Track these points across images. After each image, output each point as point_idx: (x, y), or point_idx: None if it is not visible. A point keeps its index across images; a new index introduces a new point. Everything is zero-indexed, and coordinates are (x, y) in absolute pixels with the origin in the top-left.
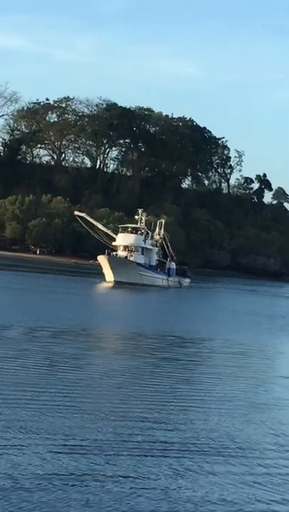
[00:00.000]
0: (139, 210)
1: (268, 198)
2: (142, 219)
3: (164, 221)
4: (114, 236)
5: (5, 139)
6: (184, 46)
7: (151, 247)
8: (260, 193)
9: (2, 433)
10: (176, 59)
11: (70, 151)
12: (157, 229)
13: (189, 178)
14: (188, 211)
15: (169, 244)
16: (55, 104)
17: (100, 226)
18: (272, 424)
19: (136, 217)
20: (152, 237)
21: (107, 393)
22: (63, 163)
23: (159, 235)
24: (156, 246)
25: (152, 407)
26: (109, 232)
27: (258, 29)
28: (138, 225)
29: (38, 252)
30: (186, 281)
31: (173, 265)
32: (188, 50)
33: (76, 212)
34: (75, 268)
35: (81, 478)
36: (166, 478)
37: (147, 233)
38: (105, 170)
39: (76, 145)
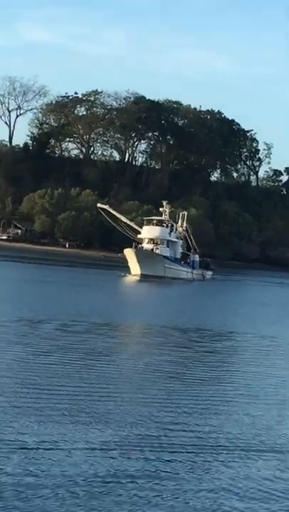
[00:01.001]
0: (164, 202)
1: None
2: (165, 211)
3: (186, 213)
4: (137, 229)
5: (34, 133)
6: (212, 38)
7: (176, 240)
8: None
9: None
10: (204, 51)
11: (98, 144)
12: (180, 221)
13: (218, 170)
14: (216, 204)
15: (192, 236)
16: (84, 98)
17: (123, 218)
18: None
19: (160, 209)
20: (176, 229)
21: (142, 389)
22: (92, 156)
23: (182, 227)
24: (181, 238)
25: (188, 403)
26: (132, 224)
27: (286, 21)
28: (163, 218)
29: (67, 246)
30: (209, 273)
31: (196, 258)
32: (216, 42)
33: (99, 205)
34: (104, 261)
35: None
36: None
37: (172, 226)
38: (134, 163)
39: (105, 138)
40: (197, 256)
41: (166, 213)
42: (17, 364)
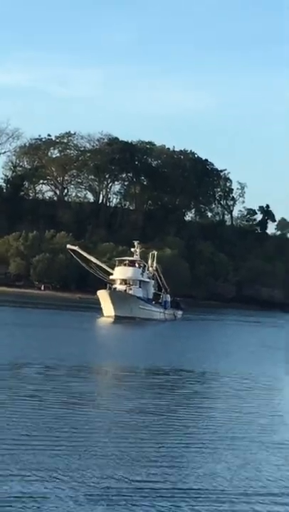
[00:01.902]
0: (135, 242)
1: (271, 229)
2: (136, 251)
3: (156, 253)
4: (108, 270)
5: (7, 176)
6: (185, 79)
7: (148, 280)
8: (263, 224)
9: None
10: (176, 92)
11: (72, 186)
12: (150, 261)
13: (192, 210)
14: (191, 244)
15: (162, 276)
16: (57, 140)
17: (93, 260)
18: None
19: (132, 249)
20: (148, 269)
21: (119, 434)
22: (66, 198)
23: (152, 267)
24: (152, 278)
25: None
26: (103, 265)
27: (260, 62)
28: (135, 258)
29: (42, 288)
30: (180, 313)
31: (168, 298)
32: (189, 83)
33: (69, 246)
34: (80, 303)
35: None
36: None
37: (144, 266)
38: (108, 204)
39: (78, 180)
40: (168, 296)
41: (137, 253)
42: None
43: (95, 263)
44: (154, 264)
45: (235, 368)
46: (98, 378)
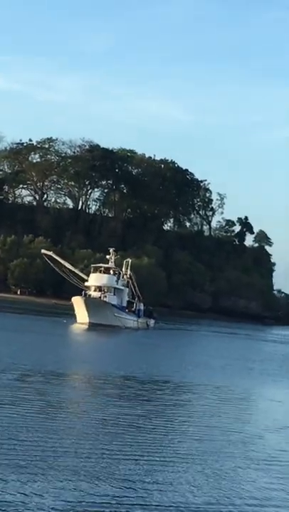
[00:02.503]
0: (110, 250)
1: (249, 240)
2: (111, 258)
3: (130, 260)
4: (83, 276)
5: None
6: (167, 88)
7: (123, 288)
8: (241, 235)
9: None
10: (159, 100)
11: (52, 191)
12: (124, 268)
13: (171, 220)
14: (169, 253)
15: (135, 284)
16: (38, 145)
17: (67, 265)
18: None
19: (107, 256)
20: (122, 276)
21: (98, 444)
22: (45, 203)
23: (126, 274)
24: (127, 286)
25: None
26: (77, 271)
27: (240, 72)
28: (110, 265)
29: (19, 293)
30: (152, 322)
31: (142, 306)
32: (171, 92)
33: (43, 251)
34: (56, 308)
35: None
36: None
37: (119, 273)
38: (87, 211)
39: (58, 186)
40: (142, 304)
41: (112, 260)
42: None
43: (68, 269)
44: (128, 272)
45: (208, 378)
46: (73, 385)
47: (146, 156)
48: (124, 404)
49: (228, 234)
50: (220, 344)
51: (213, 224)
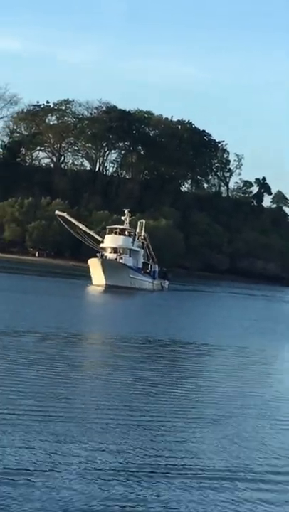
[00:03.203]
0: (125, 211)
1: (267, 201)
2: (126, 220)
3: (144, 222)
4: (96, 237)
5: (4, 141)
6: (186, 48)
7: (138, 249)
8: (259, 196)
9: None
10: (177, 61)
11: (69, 153)
12: (138, 230)
13: (189, 181)
14: (187, 214)
15: (150, 245)
16: (55, 107)
17: (81, 227)
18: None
19: (122, 217)
20: (137, 238)
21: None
22: (62, 165)
23: (140, 236)
24: (142, 248)
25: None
26: (91, 233)
27: (258, 31)
28: (125, 226)
29: (37, 255)
30: (166, 283)
31: (156, 268)
32: (189, 52)
33: (57, 212)
34: (74, 270)
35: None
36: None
37: (134, 235)
38: (104, 173)
39: (75, 148)
40: (157, 266)
41: (127, 222)
42: None
43: (83, 230)
44: (143, 233)
45: (228, 340)
46: (93, 348)
47: (164, 117)
48: (145, 367)
49: (246, 195)
50: (238, 305)
51: (231, 185)
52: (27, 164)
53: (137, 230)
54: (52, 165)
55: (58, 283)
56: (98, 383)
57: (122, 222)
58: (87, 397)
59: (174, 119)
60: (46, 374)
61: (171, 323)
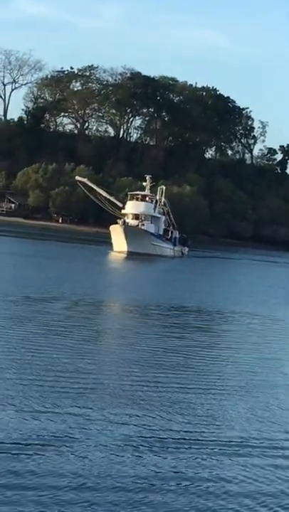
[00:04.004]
0: (147, 177)
1: None
2: (148, 186)
3: (164, 188)
4: (117, 203)
5: (29, 107)
6: (210, 16)
7: (159, 216)
8: (283, 163)
9: None
10: (202, 28)
11: (93, 119)
12: (158, 196)
13: (213, 148)
14: (211, 181)
15: (170, 211)
16: (79, 73)
17: (102, 192)
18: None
19: (143, 183)
20: (159, 204)
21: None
22: (86, 132)
23: (160, 201)
24: (163, 214)
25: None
26: (112, 199)
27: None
28: (146, 192)
29: (60, 221)
30: (186, 249)
31: (177, 234)
32: (214, 20)
33: (77, 178)
34: (97, 237)
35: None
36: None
37: (156, 201)
38: (128, 139)
39: (99, 114)
40: (177, 232)
41: (148, 188)
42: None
43: (104, 196)
44: (163, 199)
45: (253, 307)
46: (120, 315)
47: (188, 83)
48: (172, 334)
49: (270, 162)
50: (261, 272)
51: (255, 152)
52: (51, 130)
53: (157, 196)
54: (76, 131)
55: (83, 249)
56: (125, 350)
57: (142, 188)
58: (115, 364)
59: (199, 85)
60: (70, 342)
61: (196, 290)
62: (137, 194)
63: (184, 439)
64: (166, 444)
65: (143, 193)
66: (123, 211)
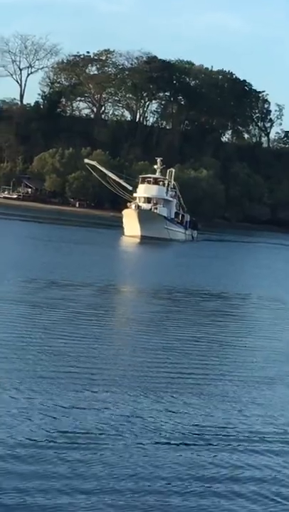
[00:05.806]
0: (158, 160)
1: None
2: (159, 169)
3: (174, 170)
4: (127, 186)
5: (45, 92)
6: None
7: (171, 199)
8: None
9: None
10: (218, 12)
11: (109, 104)
12: (167, 179)
13: (229, 131)
14: (227, 165)
15: (180, 194)
16: (96, 57)
17: (112, 176)
18: None
19: (154, 166)
20: (170, 187)
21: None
22: (103, 116)
23: (170, 184)
24: (175, 198)
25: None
26: (122, 182)
27: None
28: (159, 176)
29: (77, 205)
30: (195, 233)
31: (188, 218)
32: (230, 3)
33: (86, 161)
34: (113, 221)
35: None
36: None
37: (168, 184)
38: (145, 123)
39: (116, 98)
40: (188, 216)
41: (159, 171)
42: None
43: (114, 179)
44: (172, 182)
45: (271, 293)
46: (140, 300)
47: (204, 67)
48: (203, 321)
49: (287, 145)
50: (278, 256)
51: (272, 136)
52: (67, 115)
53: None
54: (92, 115)
55: (100, 234)
56: (140, 341)
57: (155, 172)
58: (133, 350)
59: (215, 69)
60: (97, 330)
61: (213, 274)
62: (149, 177)
63: (232, 435)
64: (218, 440)
65: (155, 176)
66: (135, 194)
